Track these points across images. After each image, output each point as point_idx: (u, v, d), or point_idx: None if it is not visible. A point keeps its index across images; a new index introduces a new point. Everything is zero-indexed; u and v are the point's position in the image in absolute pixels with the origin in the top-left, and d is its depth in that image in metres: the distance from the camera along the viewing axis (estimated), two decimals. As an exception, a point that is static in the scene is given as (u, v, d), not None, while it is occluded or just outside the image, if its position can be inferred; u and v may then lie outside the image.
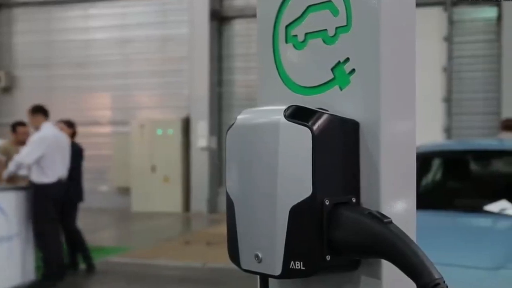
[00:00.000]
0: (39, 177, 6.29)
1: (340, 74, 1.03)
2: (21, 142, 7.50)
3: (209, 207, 12.74)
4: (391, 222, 0.91)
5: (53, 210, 6.39)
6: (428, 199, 4.93)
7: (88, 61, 14.01)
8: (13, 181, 6.79)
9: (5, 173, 6.44)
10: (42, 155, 6.25)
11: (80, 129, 8.05)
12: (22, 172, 7.23)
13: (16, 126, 7.61)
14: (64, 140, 6.66)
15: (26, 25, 14.51)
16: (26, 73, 14.40)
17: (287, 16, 1.11)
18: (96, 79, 13.93)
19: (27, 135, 7.53)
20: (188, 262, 7.62)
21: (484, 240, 3.94)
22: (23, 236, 6.34)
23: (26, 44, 14.46)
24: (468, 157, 5.58)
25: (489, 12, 11.80)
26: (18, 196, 6.35)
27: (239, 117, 1.04)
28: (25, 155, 6.26)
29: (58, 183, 6.39)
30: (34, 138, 6.36)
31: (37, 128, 6.47)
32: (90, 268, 7.09)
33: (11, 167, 6.35)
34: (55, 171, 6.36)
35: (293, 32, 1.10)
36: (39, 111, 6.52)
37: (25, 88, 14.36)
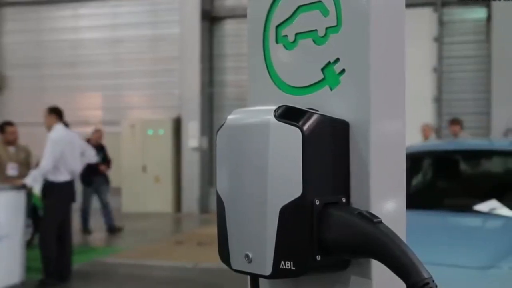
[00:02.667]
0: (55, 176, 6.44)
1: (330, 74, 1.03)
2: (10, 142, 7.46)
3: (200, 207, 12.72)
4: (380, 222, 0.92)
5: (64, 209, 6.57)
6: (418, 199, 4.95)
7: (79, 61, 13.95)
8: (9, 182, 6.79)
9: (29, 180, 6.47)
10: (60, 155, 6.41)
11: (70, 129, 8.03)
12: (13, 172, 7.20)
13: (3, 126, 7.57)
14: (75, 139, 6.84)
15: (16, 24, 14.43)
16: (16, 73, 14.32)
17: (278, 16, 1.11)
18: (86, 79, 13.88)
19: (15, 134, 7.50)
20: (179, 262, 7.60)
21: (473, 240, 3.96)
22: (12, 237, 6.30)
23: (16, 44, 14.39)
24: (458, 157, 5.61)
25: (479, 12, 11.87)
26: (8, 197, 6.33)
27: (229, 117, 1.04)
28: (44, 161, 6.40)
29: (72, 182, 6.63)
30: (48, 142, 6.48)
31: (49, 128, 6.62)
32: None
33: (37, 175, 6.43)
34: (68, 169, 6.52)
35: (284, 32, 1.10)
36: (53, 112, 6.68)
37: (15, 88, 14.28)
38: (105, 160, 10.36)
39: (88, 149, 7.26)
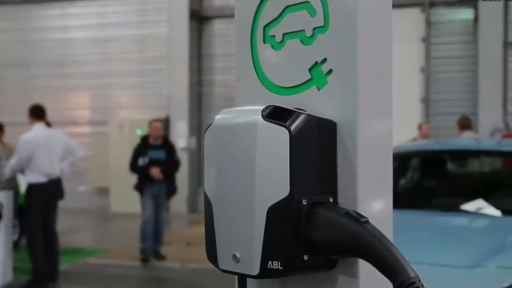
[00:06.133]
0: (29, 177, 6.39)
1: (318, 74, 1.04)
2: None
3: (188, 208, 12.70)
4: (367, 221, 0.92)
5: (41, 211, 6.40)
6: (406, 198, 4.97)
7: (67, 61, 13.87)
8: None
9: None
10: (28, 157, 6.30)
11: (55, 129, 7.95)
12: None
13: None
14: (55, 139, 6.62)
15: (4, 23, 14.32)
16: (4, 72, 14.20)
17: (265, 17, 1.11)
18: (74, 78, 13.80)
19: None
20: (168, 263, 7.58)
21: (460, 239, 3.99)
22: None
23: (4, 43, 14.27)
24: (446, 157, 5.65)
25: (466, 13, 11.95)
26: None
27: (217, 117, 1.04)
28: (13, 159, 6.38)
29: (49, 182, 6.43)
30: (19, 142, 6.42)
31: (32, 129, 6.48)
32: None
33: (7, 171, 6.38)
34: (42, 170, 6.38)
35: (271, 32, 1.10)
36: (32, 111, 6.55)
37: (3, 87, 14.17)
38: (168, 161, 7.73)
39: (77, 149, 7.01)
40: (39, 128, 6.47)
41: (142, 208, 7.64)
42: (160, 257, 7.66)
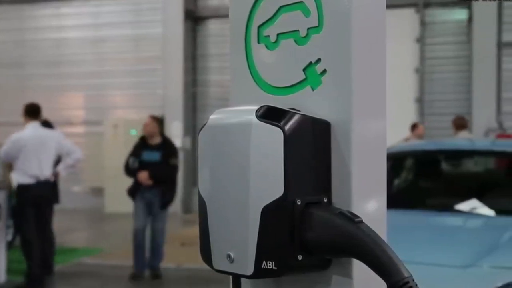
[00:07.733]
0: (17, 178, 6.32)
1: (312, 74, 1.04)
2: None
3: (183, 208, 12.68)
4: (361, 221, 0.92)
5: (33, 211, 6.31)
6: (400, 198, 4.98)
7: (61, 60, 13.84)
8: None
9: None
10: (15, 156, 6.25)
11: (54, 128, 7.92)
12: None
13: None
14: (49, 139, 6.51)
15: (-3, 23, 14.28)
16: (-2, 72, 14.17)
17: (259, 17, 1.11)
18: (69, 78, 13.77)
19: None
20: (163, 263, 7.56)
21: (454, 239, 4.00)
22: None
23: (-2, 43, 14.24)
24: (440, 157, 5.66)
25: (460, 14, 11.99)
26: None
27: (211, 117, 1.04)
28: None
29: (37, 184, 6.30)
30: (10, 139, 6.38)
31: (25, 127, 6.44)
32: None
33: None
34: (31, 171, 6.28)
35: (265, 32, 1.11)
36: (26, 110, 6.47)
37: (-3, 87, 14.13)
38: (164, 164, 6.73)
39: (75, 151, 6.86)
40: (33, 127, 6.38)
41: (134, 216, 6.78)
42: (155, 275, 6.79)
